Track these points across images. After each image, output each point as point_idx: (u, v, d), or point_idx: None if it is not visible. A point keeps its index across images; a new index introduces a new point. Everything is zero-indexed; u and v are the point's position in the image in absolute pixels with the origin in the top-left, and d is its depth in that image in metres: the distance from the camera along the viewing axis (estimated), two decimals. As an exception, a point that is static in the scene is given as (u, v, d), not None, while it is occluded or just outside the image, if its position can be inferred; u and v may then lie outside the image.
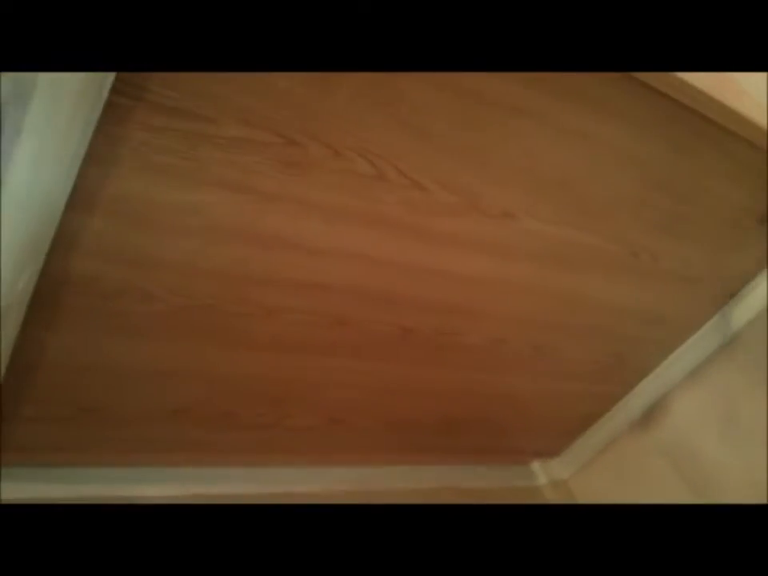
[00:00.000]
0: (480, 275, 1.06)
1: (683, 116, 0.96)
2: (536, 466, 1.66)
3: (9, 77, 0.61)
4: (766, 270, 1.34)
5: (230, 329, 0.95)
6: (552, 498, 1.62)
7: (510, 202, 0.96)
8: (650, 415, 1.53)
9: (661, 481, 1.51)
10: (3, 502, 0.97)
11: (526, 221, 0.99)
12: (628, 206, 1.06)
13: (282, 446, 1.22)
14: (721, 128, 1.00)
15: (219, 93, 0.69)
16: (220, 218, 0.81)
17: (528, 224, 1.00)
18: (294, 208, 0.83)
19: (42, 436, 1.00)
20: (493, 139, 0.87)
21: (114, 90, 0.64)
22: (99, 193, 0.73)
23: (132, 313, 0.87)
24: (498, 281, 1.09)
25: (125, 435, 1.06)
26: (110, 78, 0.63)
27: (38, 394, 0.93)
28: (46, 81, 0.59)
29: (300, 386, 1.13)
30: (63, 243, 0.76)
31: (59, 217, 0.72)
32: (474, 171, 0.90)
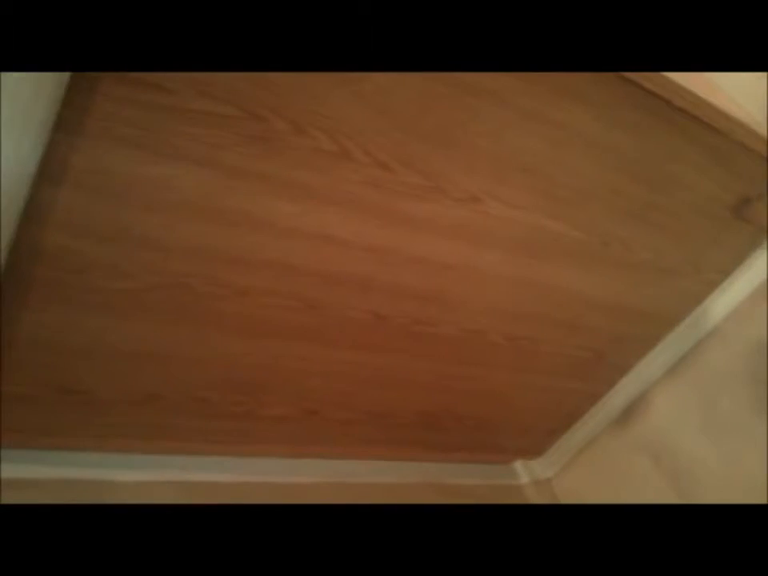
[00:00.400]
0: (450, 261, 1.07)
1: (652, 104, 0.98)
2: (518, 465, 1.66)
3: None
4: (743, 263, 1.35)
5: (203, 309, 0.97)
6: (534, 497, 1.62)
7: (476, 185, 0.98)
8: (631, 412, 1.54)
9: (643, 478, 1.52)
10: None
11: (493, 205, 1.01)
12: (598, 193, 1.08)
13: (258, 436, 1.23)
14: (691, 117, 1.02)
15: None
16: (188, 193, 0.83)
17: (494, 208, 1.02)
18: (260, 185, 0.85)
19: (22, 417, 1.01)
20: (457, 121, 0.89)
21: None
22: (68, 165, 0.76)
23: (104, 289, 0.89)
24: (470, 267, 1.10)
25: (102, 420, 1.07)
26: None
27: (16, 373, 0.95)
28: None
29: (274, 374, 1.14)
30: (33, 216, 0.78)
31: (28, 189, 0.74)
32: (439, 153, 0.92)
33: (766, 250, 1.31)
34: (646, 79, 0.93)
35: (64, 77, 0.67)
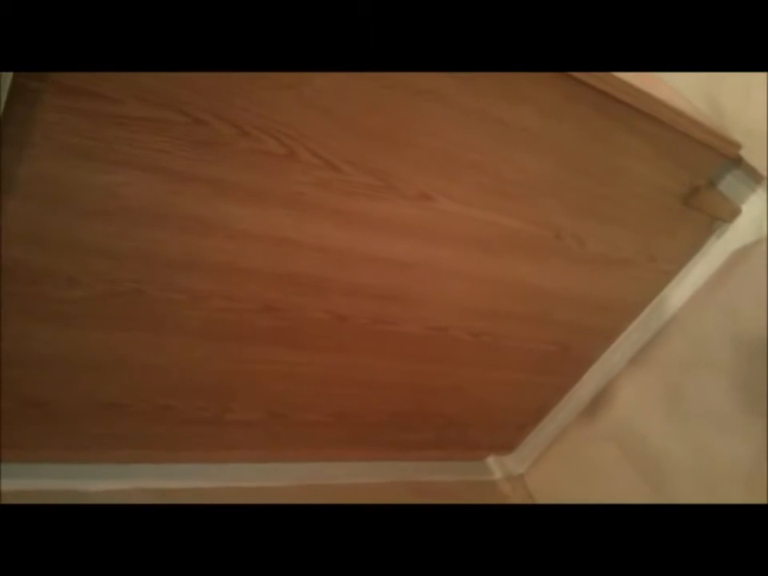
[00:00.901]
0: (407, 259, 1.09)
1: (595, 98, 1.01)
2: (491, 461, 1.68)
3: None
4: (698, 251, 1.38)
5: (158, 315, 0.98)
6: (508, 492, 1.64)
7: (425, 183, 0.99)
8: (597, 404, 1.56)
9: (613, 469, 1.53)
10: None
11: (444, 203, 1.03)
12: (546, 188, 1.11)
13: (226, 441, 1.24)
14: (634, 110, 1.05)
15: (120, 73, 0.72)
16: (136, 200, 0.84)
17: (446, 206, 1.04)
18: (207, 189, 0.87)
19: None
20: (401, 121, 0.91)
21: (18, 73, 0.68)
22: (15, 175, 0.77)
23: (59, 299, 0.90)
24: (427, 265, 1.12)
25: (68, 430, 1.08)
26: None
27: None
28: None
29: (238, 378, 1.15)
30: (-18, 227, 0.79)
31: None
32: (385, 152, 0.94)
33: (719, 237, 1.34)
34: (587, 74, 0.96)
35: (3, 89, 0.68)
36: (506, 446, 1.69)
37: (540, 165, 1.06)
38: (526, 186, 1.08)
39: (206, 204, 0.88)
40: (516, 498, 1.64)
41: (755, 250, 1.30)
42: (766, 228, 1.27)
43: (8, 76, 0.68)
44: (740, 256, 1.33)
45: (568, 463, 1.63)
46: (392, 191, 0.98)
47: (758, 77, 1.23)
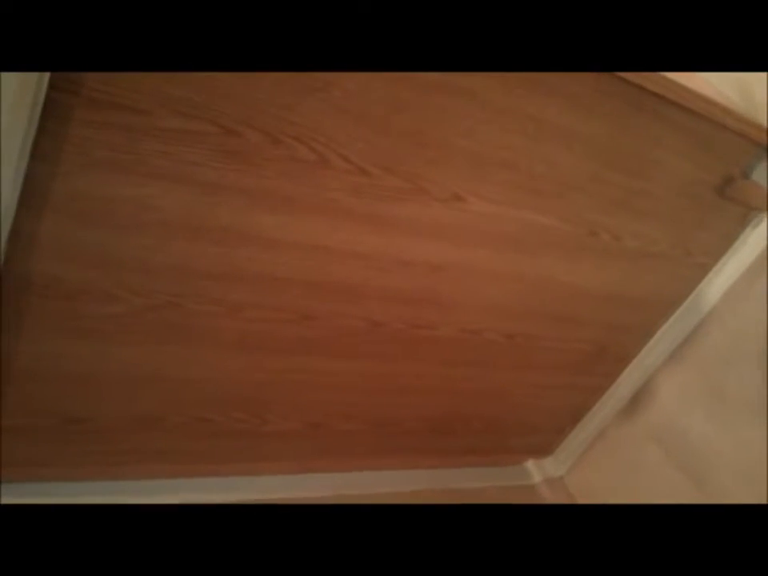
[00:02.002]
0: (440, 262, 1.08)
1: (626, 92, 1.00)
2: (530, 464, 1.66)
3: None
4: (734, 242, 1.35)
5: (194, 328, 0.98)
6: (548, 496, 1.62)
7: (457, 184, 0.98)
8: (637, 402, 1.54)
9: (655, 468, 1.51)
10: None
11: (476, 203, 1.02)
12: (579, 184, 1.09)
13: (263, 453, 1.23)
14: (666, 101, 1.03)
15: (151, 85, 0.72)
16: (170, 212, 0.84)
17: (478, 206, 1.02)
18: (240, 199, 0.86)
19: (22, 450, 1.02)
20: (429, 120, 0.90)
21: (51, 87, 0.68)
22: (49, 192, 0.77)
23: (96, 315, 0.90)
24: (460, 267, 1.11)
25: (105, 447, 1.08)
26: (46, 75, 0.66)
27: (15, 406, 0.95)
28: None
29: (275, 389, 1.14)
30: (19, 245, 0.79)
31: (11, 218, 0.75)
32: (416, 155, 0.93)
33: (754, 228, 1.31)
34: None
35: (38, 105, 0.68)
36: (545, 449, 1.67)
37: (572, 160, 1.05)
38: (559, 182, 1.07)
39: (239, 214, 0.87)
40: (556, 501, 1.61)
41: (793, 239, 1.28)
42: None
43: (41, 92, 0.67)
44: (777, 245, 1.31)
45: (609, 464, 1.61)
46: (423, 194, 0.97)
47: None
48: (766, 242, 1.31)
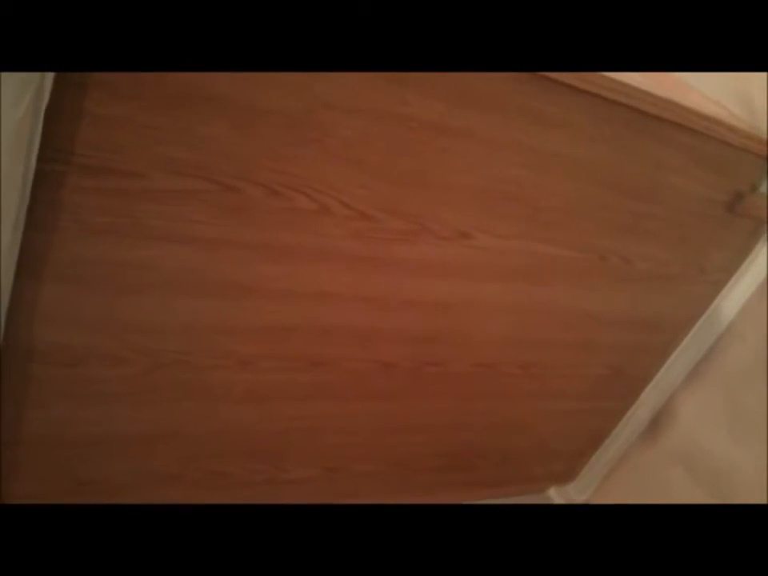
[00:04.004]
0: (449, 300, 1.06)
1: (624, 115, 0.98)
2: (552, 492, 1.63)
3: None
4: (747, 257, 1.33)
5: (206, 384, 0.96)
6: (574, 522, 1.58)
7: (462, 221, 0.97)
8: (658, 424, 1.51)
9: (678, 489, 1.48)
10: None
11: (483, 238, 1.00)
12: (586, 211, 1.07)
13: (282, 501, 1.21)
14: (666, 122, 1.02)
15: (142, 146, 0.71)
16: (173, 272, 0.83)
17: (485, 241, 1.01)
18: (242, 253, 0.85)
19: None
20: (429, 161, 0.89)
21: (41, 158, 0.67)
22: (48, 260, 0.75)
23: (103, 378, 0.88)
24: (469, 303, 1.09)
25: (121, 507, 1.06)
26: (35, 146, 0.65)
27: (27, 473, 0.94)
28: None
29: (290, 437, 1.12)
30: (19, 314, 0.78)
31: (10, 288, 0.74)
32: (417, 195, 0.91)
33: (766, 241, 1.29)
34: (614, 92, 0.93)
35: (29, 175, 0.67)
36: (567, 476, 1.64)
37: (577, 188, 1.03)
38: (565, 211, 1.05)
39: (242, 268, 0.86)
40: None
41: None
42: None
43: (32, 162, 0.66)
44: (791, 257, 1.29)
45: (632, 487, 1.58)
46: (428, 233, 0.96)
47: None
48: (779, 255, 1.29)
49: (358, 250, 0.92)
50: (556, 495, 1.63)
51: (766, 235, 1.30)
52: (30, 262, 0.74)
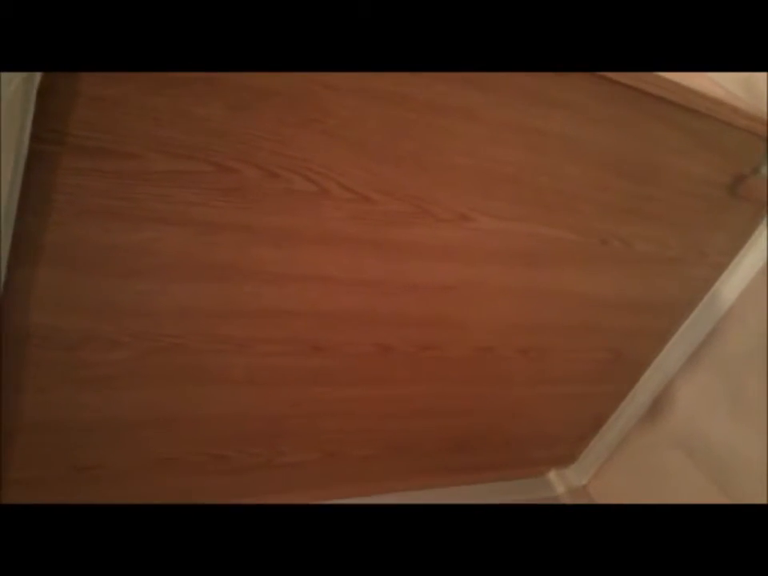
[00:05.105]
0: (448, 283, 1.05)
1: (627, 96, 0.97)
2: (552, 475, 1.63)
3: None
4: (748, 240, 1.32)
5: (204, 367, 0.95)
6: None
7: (462, 204, 0.96)
8: (658, 408, 1.51)
9: (680, 473, 1.48)
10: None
11: (483, 220, 0.99)
12: (587, 194, 1.06)
13: (278, 485, 1.21)
14: (669, 103, 1.00)
15: (138, 128, 0.70)
16: (169, 255, 0.81)
17: (485, 224, 1.00)
18: (240, 236, 0.84)
19: (33, 501, 1.00)
20: (429, 142, 0.87)
21: (34, 138, 0.65)
22: (43, 243, 0.74)
23: (99, 362, 0.88)
24: (469, 286, 1.08)
25: (118, 492, 1.05)
26: (28, 125, 0.64)
27: (24, 458, 0.93)
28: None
29: (289, 421, 1.12)
30: (15, 299, 0.77)
31: (5, 272, 0.73)
32: (417, 177, 0.90)
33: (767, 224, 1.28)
34: (617, 72, 0.92)
35: (21, 156, 0.65)
36: (567, 459, 1.64)
37: (578, 170, 1.02)
38: (566, 193, 1.04)
39: (240, 250, 0.85)
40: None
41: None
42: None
43: (24, 144, 0.65)
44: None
45: (632, 470, 1.58)
46: (428, 216, 0.95)
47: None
48: (780, 238, 1.28)
49: (357, 232, 0.91)
50: (556, 478, 1.62)
51: (766, 218, 1.29)
52: (25, 245, 0.73)
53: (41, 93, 0.62)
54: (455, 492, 1.47)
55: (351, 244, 0.92)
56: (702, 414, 1.44)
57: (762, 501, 1.32)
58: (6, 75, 0.57)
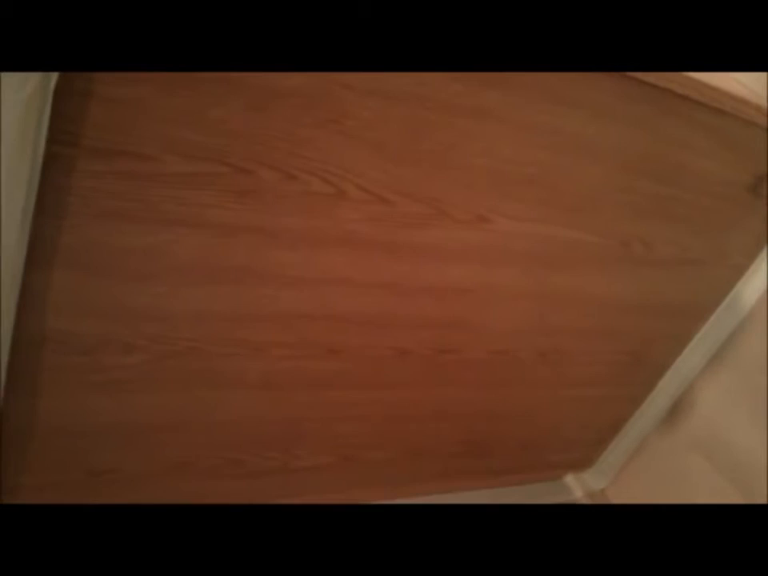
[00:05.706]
0: (466, 285, 1.04)
1: (649, 95, 0.95)
2: (570, 479, 1.61)
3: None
4: (769, 241, 1.31)
5: (219, 371, 0.94)
6: (591, 510, 1.57)
7: (481, 205, 0.94)
8: (677, 411, 1.49)
9: (699, 477, 1.46)
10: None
11: (502, 222, 0.98)
12: (606, 195, 1.05)
13: (298, 489, 1.20)
14: (692, 102, 0.99)
15: (153, 129, 0.69)
16: (185, 258, 0.81)
17: (504, 225, 0.98)
18: (257, 238, 0.83)
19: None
20: (447, 143, 0.86)
21: (50, 141, 0.65)
22: (58, 246, 0.74)
23: (116, 366, 0.87)
24: (487, 288, 1.07)
25: (133, 496, 1.05)
26: (44, 128, 0.63)
27: (39, 463, 0.93)
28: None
29: (304, 425, 1.11)
30: (31, 302, 0.76)
31: (21, 276, 0.72)
32: (436, 179, 0.89)
33: (791, 226, 1.26)
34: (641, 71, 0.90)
35: (38, 159, 0.65)
36: (585, 463, 1.62)
37: (599, 171, 1.01)
38: (585, 194, 1.02)
39: (256, 254, 0.84)
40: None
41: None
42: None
43: (40, 146, 0.64)
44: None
45: (651, 474, 1.56)
46: (445, 217, 0.94)
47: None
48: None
49: (375, 234, 0.90)
50: (573, 482, 1.61)
51: (790, 218, 1.27)
52: (41, 248, 0.72)
53: (56, 94, 0.61)
54: (472, 496, 1.46)
55: (368, 246, 0.91)
56: (721, 417, 1.42)
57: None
58: (22, 75, 0.56)
